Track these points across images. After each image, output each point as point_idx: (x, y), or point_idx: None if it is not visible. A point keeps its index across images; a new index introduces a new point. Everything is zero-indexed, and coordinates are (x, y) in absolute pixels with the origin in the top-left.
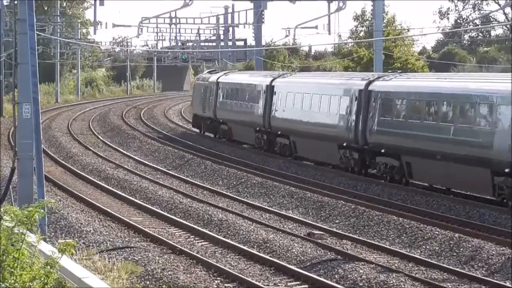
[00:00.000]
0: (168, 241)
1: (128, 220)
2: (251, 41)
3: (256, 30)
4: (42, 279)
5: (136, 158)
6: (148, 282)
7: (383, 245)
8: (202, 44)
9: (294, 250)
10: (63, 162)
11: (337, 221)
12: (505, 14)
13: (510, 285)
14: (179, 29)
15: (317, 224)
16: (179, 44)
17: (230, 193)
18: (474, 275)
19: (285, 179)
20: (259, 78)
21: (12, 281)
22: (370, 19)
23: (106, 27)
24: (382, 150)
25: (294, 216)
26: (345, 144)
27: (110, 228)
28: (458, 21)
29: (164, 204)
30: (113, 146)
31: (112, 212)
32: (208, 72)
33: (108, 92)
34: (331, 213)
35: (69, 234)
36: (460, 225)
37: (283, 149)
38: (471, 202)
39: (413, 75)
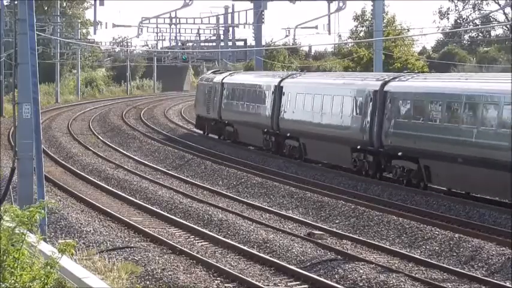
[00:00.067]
0: (168, 241)
1: (128, 220)
2: (251, 41)
3: (256, 30)
4: (42, 279)
5: (136, 158)
6: (148, 282)
7: (383, 245)
8: (202, 44)
9: (294, 250)
10: (63, 162)
11: (337, 221)
12: (505, 14)
13: (510, 285)
14: (179, 29)
15: (317, 224)
16: (179, 44)
17: (230, 193)
18: (474, 275)
19: (285, 179)
20: (266, 79)
21: (13, 281)
22: (370, 19)
23: (106, 27)
24: (399, 153)
25: (294, 216)
26: (358, 147)
27: (110, 228)
28: (458, 21)
29: (164, 204)
30: (113, 146)
31: (112, 212)
32: (212, 72)
33: (108, 92)
34: (331, 213)
35: (69, 235)
36: (460, 225)
37: (292, 152)
38: (471, 202)
39: (431, 76)
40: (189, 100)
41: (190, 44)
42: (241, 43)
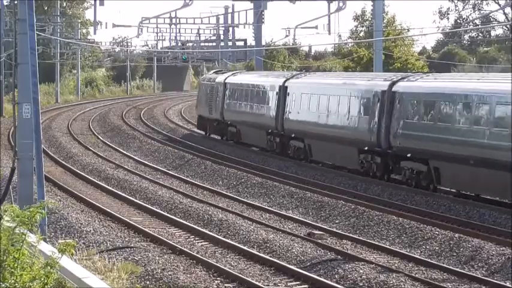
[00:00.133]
0: (168, 241)
1: (128, 220)
2: (251, 41)
3: (256, 30)
4: (42, 279)
5: (136, 158)
6: (148, 282)
7: (383, 245)
8: (202, 44)
9: (294, 250)
10: (63, 162)
11: (337, 221)
12: (505, 14)
13: (510, 285)
14: (179, 29)
15: (317, 224)
16: (179, 44)
17: (230, 193)
18: (474, 275)
19: (285, 179)
20: (270, 79)
21: (13, 281)
22: (370, 19)
23: (106, 27)
24: (408, 155)
25: (294, 216)
26: (366, 148)
27: (110, 228)
28: (458, 21)
29: (164, 204)
30: (113, 146)
31: (112, 212)
32: (214, 72)
33: (108, 92)
34: (331, 213)
35: (69, 234)
36: (460, 225)
37: (298, 153)
38: (471, 202)
39: (441, 76)
40: (189, 100)
41: (190, 44)
42: (241, 43)
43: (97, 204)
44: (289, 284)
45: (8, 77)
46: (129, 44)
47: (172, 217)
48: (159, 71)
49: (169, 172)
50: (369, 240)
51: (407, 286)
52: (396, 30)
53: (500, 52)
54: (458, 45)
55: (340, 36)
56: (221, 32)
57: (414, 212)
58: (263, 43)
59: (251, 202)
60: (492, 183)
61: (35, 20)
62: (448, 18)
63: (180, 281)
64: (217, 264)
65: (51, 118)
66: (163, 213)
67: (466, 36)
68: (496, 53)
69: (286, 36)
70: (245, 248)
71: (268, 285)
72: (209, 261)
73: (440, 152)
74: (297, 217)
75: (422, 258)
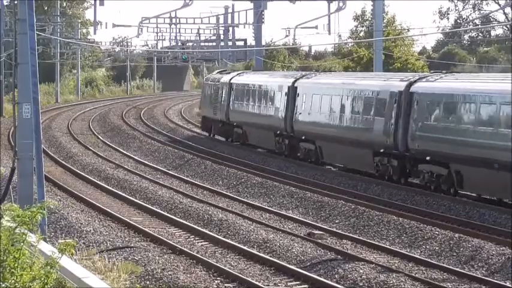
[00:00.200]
0: (168, 241)
1: (128, 220)
2: (251, 41)
3: (256, 30)
4: (42, 279)
5: (136, 158)
6: (148, 282)
7: (383, 245)
8: (202, 44)
9: (294, 250)
10: (63, 162)
11: (337, 221)
12: (505, 14)
13: (510, 285)
14: (179, 29)
15: (317, 224)
16: (179, 44)
17: (230, 193)
18: (474, 275)
19: (285, 179)
20: (279, 79)
21: (13, 281)
22: (370, 19)
23: (106, 27)
24: (428, 158)
25: (294, 216)
26: (381, 151)
27: (110, 228)
28: (458, 21)
29: (164, 204)
30: (113, 146)
31: (112, 212)
32: (218, 72)
33: (108, 92)
34: (331, 213)
35: (69, 234)
36: (460, 225)
37: (308, 155)
38: (471, 202)
39: (462, 76)
40: (189, 100)
41: (190, 44)
42: (241, 43)
43: (97, 204)
44: (289, 284)
45: (8, 77)
46: (129, 44)
47: (172, 217)
48: (159, 71)
49: (169, 172)
50: (369, 240)
51: (407, 286)
52: (396, 30)
53: (500, 52)
54: (458, 45)
55: (340, 36)
56: (221, 32)
57: (414, 212)
58: (263, 43)
59: (251, 202)
60: None
61: (35, 20)
62: (448, 18)
63: (180, 281)
64: (217, 264)
65: (51, 118)
66: (163, 213)
67: (466, 36)
68: (496, 53)
69: (286, 36)
70: (245, 248)
71: (268, 285)
72: (209, 261)
73: (463, 155)
74: (297, 217)
75: (422, 258)
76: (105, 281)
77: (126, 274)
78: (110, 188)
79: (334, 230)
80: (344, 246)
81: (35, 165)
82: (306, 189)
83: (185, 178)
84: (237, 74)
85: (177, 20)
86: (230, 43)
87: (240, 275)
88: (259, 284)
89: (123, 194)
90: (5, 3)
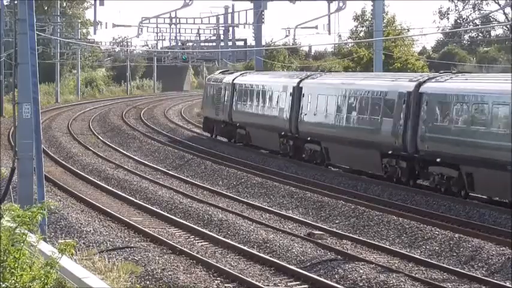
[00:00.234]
0: (168, 241)
1: (128, 220)
2: (251, 41)
3: (256, 30)
4: (42, 279)
5: (136, 158)
6: (148, 282)
7: (383, 245)
8: (202, 44)
9: (294, 250)
10: (63, 162)
11: (337, 221)
12: (505, 14)
13: (510, 285)
14: (179, 29)
15: (317, 224)
16: (179, 44)
17: (230, 193)
18: (474, 275)
19: (285, 179)
20: (283, 79)
21: (13, 281)
22: (370, 19)
23: (106, 27)
24: (438, 160)
25: (294, 216)
26: (390, 152)
27: (110, 228)
28: (458, 21)
29: (164, 204)
30: (113, 146)
31: (112, 212)
32: (220, 72)
33: (108, 92)
34: (331, 213)
35: (69, 234)
36: (460, 225)
37: (313, 156)
38: (471, 202)
39: (473, 76)
40: (189, 100)
41: (190, 44)
42: (241, 43)
43: (97, 204)
44: (289, 284)
45: (8, 77)
46: (129, 44)
47: (172, 217)
48: (159, 71)
49: (169, 172)
50: (369, 240)
51: (407, 286)
52: (396, 30)
53: (500, 52)
54: (458, 45)
55: (340, 36)
56: (221, 32)
57: (414, 212)
58: (263, 43)
59: (251, 202)
60: None
61: (35, 20)
62: (448, 18)
63: (180, 281)
64: (217, 264)
65: (51, 118)
66: (163, 213)
67: (466, 36)
68: (496, 53)
69: (286, 36)
70: (245, 248)
71: (268, 285)
72: (209, 261)
73: (474, 157)
74: (297, 217)
75: (422, 258)
76: (105, 281)
77: (126, 274)
78: (110, 188)
79: (334, 230)
80: (344, 246)
81: (35, 165)
82: (306, 189)
83: (185, 178)
84: (240, 74)
85: (177, 20)
86: (230, 43)
87: (240, 275)
88: (259, 284)
89: (123, 194)
90: (5, 3)
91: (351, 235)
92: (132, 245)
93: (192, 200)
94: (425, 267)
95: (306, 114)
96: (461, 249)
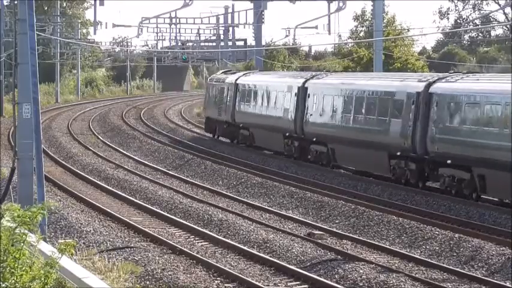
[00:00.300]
0: (168, 241)
1: (128, 220)
2: (251, 41)
3: (256, 30)
4: (42, 279)
5: (136, 158)
6: (148, 282)
7: (383, 245)
8: (202, 44)
9: (294, 250)
10: (63, 162)
11: (337, 221)
12: (505, 14)
13: (510, 285)
14: (179, 29)
15: (317, 224)
16: (179, 44)
17: (230, 193)
18: (474, 275)
19: (285, 179)
20: (288, 79)
21: (13, 281)
22: (370, 19)
23: (106, 27)
24: (449, 161)
25: (294, 216)
26: (398, 153)
27: (110, 228)
28: (458, 21)
29: (164, 204)
30: (113, 146)
31: (112, 212)
32: (222, 72)
33: (108, 92)
34: (331, 213)
35: (69, 234)
36: (460, 225)
37: (319, 157)
38: (471, 202)
39: (484, 76)
40: (189, 100)
41: (190, 44)
42: (241, 43)
43: (97, 204)
44: (289, 284)
45: (8, 77)
46: (129, 44)
47: (172, 217)
48: (159, 71)
49: (169, 172)
50: (369, 240)
51: (407, 286)
52: (396, 30)
53: (500, 52)
54: (458, 45)
55: (340, 36)
56: (221, 32)
57: (414, 212)
58: (263, 43)
59: (251, 202)
60: None
61: (35, 20)
62: (448, 18)
63: (180, 281)
64: (217, 264)
65: (51, 118)
66: (163, 213)
67: (466, 36)
68: (496, 53)
69: (286, 36)
70: (245, 248)
71: (268, 285)
72: (209, 261)
73: (487, 159)
74: (297, 217)
75: (422, 258)
76: (105, 281)
77: (126, 274)
78: (110, 188)
79: (334, 230)
80: (344, 246)
81: (35, 165)
82: (306, 189)
83: (185, 178)
84: (243, 74)
85: (177, 20)
86: (230, 43)
87: (240, 275)
88: (259, 284)
89: (123, 194)
90: (5, 3)
91: (351, 235)
92: (132, 245)
93: (192, 200)
94: (426, 267)
95: (311, 115)
96: (461, 249)
